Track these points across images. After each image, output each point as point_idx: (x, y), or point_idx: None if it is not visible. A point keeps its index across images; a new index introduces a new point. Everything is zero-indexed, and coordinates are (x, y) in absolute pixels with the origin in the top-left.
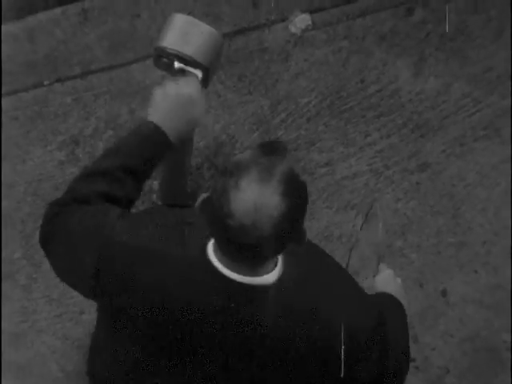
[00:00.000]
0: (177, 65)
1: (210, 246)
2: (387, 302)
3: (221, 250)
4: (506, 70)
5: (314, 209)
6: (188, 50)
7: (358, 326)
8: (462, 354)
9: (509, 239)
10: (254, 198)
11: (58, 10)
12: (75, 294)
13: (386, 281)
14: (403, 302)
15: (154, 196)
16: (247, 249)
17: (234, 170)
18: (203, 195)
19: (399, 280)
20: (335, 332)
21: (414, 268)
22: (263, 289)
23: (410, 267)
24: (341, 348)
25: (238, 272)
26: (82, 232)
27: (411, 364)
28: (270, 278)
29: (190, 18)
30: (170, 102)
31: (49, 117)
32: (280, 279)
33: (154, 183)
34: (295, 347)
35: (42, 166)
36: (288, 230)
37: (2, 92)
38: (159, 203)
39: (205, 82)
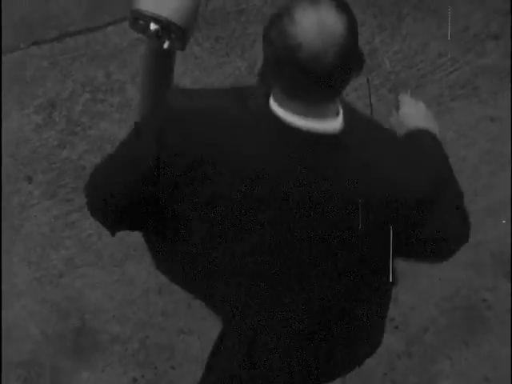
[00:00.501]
0: (153, 27)
1: (272, 100)
2: (425, 143)
3: (288, 94)
4: (482, 28)
5: None
6: (164, 12)
7: (419, 183)
8: (441, 312)
9: (487, 198)
10: (315, 21)
11: None
12: (54, 256)
13: (411, 112)
14: (433, 125)
15: None
16: (323, 79)
17: (282, 12)
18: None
19: (422, 104)
20: (400, 186)
21: None
22: (330, 137)
23: None
24: (400, 204)
25: (305, 116)
26: (140, 123)
27: (391, 323)
28: (334, 124)
29: None
30: None
31: (25, 80)
32: (344, 129)
33: None
34: (360, 197)
35: (19, 129)
36: (352, 50)
37: None
38: None
39: (181, 43)
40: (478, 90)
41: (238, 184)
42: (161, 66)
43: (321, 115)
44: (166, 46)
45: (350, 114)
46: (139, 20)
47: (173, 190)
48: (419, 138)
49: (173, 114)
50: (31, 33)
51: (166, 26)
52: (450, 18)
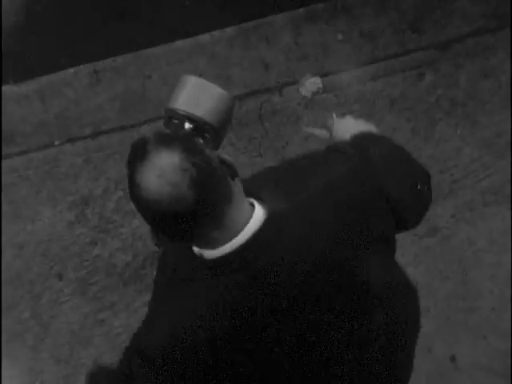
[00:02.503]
0: (187, 126)
1: (194, 251)
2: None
3: (184, 238)
4: None
5: None
6: (199, 112)
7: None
8: None
9: None
10: (153, 175)
11: (70, 71)
12: (83, 354)
13: (343, 126)
14: (368, 127)
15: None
16: (194, 212)
17: (129, 180)
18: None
19: (349, 116)
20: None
21: (423, 333)
22: (256, 237)
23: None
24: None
25: (226, 241)
26: None
27: None
28: (256, 223)
29: (201, 80)
30: None
31: (59, 177)
32: (267, 217)
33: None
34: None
35: (51, 226)
36: (207, 170)
37: (14, 151)
38: None
39: (215, 143)
40: (510, 196)
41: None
42: None
43: (233, 229)
44: None
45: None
46: (173, 119)
47: None
48: (358, 142)
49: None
50: (66, 130)
51: (201, 126)
52: (483, 124)
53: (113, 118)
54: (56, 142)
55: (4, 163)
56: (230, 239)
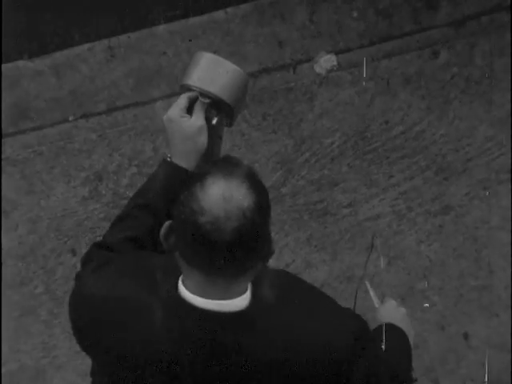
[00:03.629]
0: (202, 101)
1: (181, 281)
2: (385, 329)
3: (188, 262)
4: None
5: (336, 249)
6: (213, 89)
7: (336, 343)
8: None
9: None
10: (222, 191)
11: (84, 47)
12: None
13: (388, 311)
14: (408, 330)
15: None
16: (222, 249)
17: (196, 177)
18: (166, 223)
19: (403, 309)
20: (314, 352)
21: (436, 310)
22: (237, 315)
23: (431, 309)
24: (322, 367)
25: (211, 296)
26: None
27: None
28: (242, 302)
29: (216, 57)
30: (182, 137)
31: (73, 152)
32: (253, 303)
33: None
34: (277, 371)
35: (65, 201)
36: (257, 230)
37: (28, 127)
38: None
39: (230, 120)
40: None
41: (148, 372)
42: (209, 143)
43: (226, 292)
44: (214, 122)
45: (273, 284)
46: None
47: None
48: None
49: (81, 301)
50: (80, 106)
51: (215, 103)
52: (498, 103)
53: (127, 94)
54: (70, 118)
55: (18, 139)
56: (221, 299)
